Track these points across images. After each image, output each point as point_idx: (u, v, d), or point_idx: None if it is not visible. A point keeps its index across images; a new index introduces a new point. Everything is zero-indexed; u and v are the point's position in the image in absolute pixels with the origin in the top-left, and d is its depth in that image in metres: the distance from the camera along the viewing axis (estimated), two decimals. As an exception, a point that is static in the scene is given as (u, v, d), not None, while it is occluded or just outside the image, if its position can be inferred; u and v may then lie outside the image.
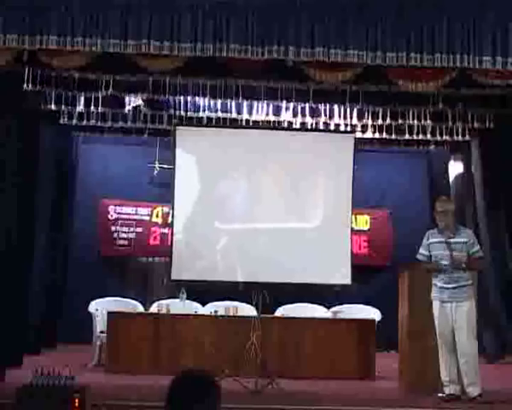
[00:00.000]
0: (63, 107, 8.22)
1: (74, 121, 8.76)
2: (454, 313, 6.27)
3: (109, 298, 8.81)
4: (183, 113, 8.53)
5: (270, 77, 7.30)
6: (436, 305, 6.37)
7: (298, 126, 8.83)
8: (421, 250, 6.50)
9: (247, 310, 8.16)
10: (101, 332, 8.10)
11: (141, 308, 8.77)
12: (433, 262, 6.37)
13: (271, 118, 8.62)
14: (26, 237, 7.92)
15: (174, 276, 8.29)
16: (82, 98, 8.13)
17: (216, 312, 8.28)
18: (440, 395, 6.34)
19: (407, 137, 8.99)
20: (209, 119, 8.64)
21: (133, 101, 8.36)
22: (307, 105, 8.32)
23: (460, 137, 8.99)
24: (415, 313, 6.78)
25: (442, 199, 6.61)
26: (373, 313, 8.68)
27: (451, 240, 6.34)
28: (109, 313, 7.80)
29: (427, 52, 6.19)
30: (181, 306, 8.35)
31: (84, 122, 8.77)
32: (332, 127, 8.87)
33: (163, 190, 9.75)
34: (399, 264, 7.49)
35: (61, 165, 9.56)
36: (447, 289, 6.30)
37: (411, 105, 8.14)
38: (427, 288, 6.50)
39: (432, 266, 6.39)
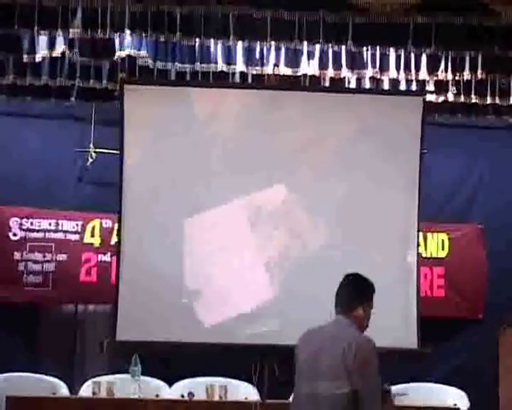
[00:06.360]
0: None
1: None
2: None
3: (12, 373, 8.85)
4: (139, 62, 8.54)
5: (281, 3, 7.24)
6: None
7: (328, 85, 8.82)
8: None
9: (244, 391, 8.33)
10: (-2, 431, 8.04)
11: (65, 390, 8.78)
12: None
13: (284, 70, 8.64)
14: None
15: (121, 335, 8.42)
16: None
17: (191, 395, 8.25)
18: None
19: (512, 101, 8.97)
20: (180, 73, 8.68)
21: None
22: (343, 48, 8.39)
23: None
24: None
25: None
26: (456, 397, 8.69)
27: None
28: (9, 399, 7.74)
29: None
30: (132, 385, 8.27)
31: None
32: (386, 86, 8.90)
33: (101, 192, 9.80)
34: (500, 316, 7.53)
35: None
36: None
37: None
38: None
39: None
